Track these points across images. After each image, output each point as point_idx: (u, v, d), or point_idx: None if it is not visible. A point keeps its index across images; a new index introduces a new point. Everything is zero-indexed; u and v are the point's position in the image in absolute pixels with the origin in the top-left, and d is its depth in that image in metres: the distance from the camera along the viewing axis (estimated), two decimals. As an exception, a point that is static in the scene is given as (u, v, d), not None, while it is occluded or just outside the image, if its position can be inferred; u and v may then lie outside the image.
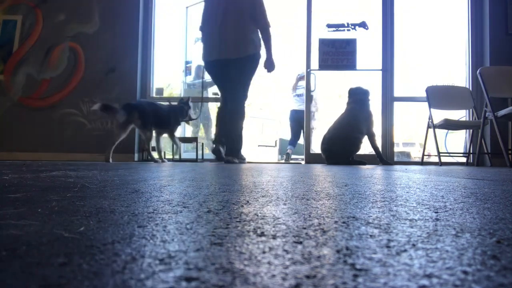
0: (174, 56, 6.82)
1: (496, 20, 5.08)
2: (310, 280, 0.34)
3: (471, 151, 5.10)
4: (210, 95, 6.02)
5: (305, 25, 5.48)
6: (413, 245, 0.47)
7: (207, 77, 5.53)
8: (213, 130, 5.25)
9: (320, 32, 5.47)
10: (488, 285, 0.33)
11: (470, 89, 5.19)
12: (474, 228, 0.58)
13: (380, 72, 5.41)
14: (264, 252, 0.44)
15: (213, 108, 6.33)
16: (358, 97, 4.80)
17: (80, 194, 1.00)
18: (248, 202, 0.89)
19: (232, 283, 0.33)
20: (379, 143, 5.01)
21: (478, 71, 4.58)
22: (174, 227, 0.58)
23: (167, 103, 4.68)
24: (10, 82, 5.46)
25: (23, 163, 3.57)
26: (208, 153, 5.97)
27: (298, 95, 7.05)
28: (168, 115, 4.38)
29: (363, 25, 5.47)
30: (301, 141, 6.58)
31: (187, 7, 6.20)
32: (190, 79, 6.25)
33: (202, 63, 4.56)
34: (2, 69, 5.46)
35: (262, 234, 0.53)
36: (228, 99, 3.84)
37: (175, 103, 4.75)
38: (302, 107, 5.97)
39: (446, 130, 5.91)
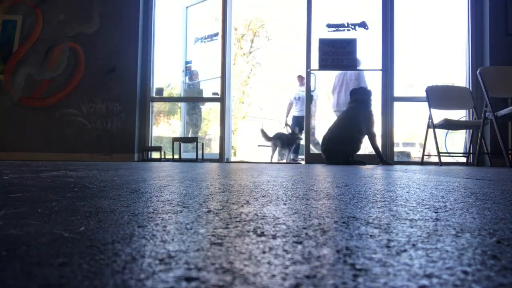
0: (174, 56, 6.82)
1: (496, 20, 5.08)
2: (310, 280, 0.34)
3: (471, 151, 5.10)
4: (210, 95, 6.02)
5: (305, 25, 5.48)
6: (413, 245, 0.47)
7: (204, 77, 6.15)
8: (203, 129, 6.77)
9: (320, 32, 5.47)
10: (488, 285, 0.33)
11: (470, 89, 5.19)
12: (474, 228, 0.58)
13: (380, 72, 5.41)
14: (264, 252, 0.44)
15: (213, 108, 6.33)
16: (358, 97, 4.80)
17: (80, 194, 1.00)
18: (248, 202, 0.89)
19: (232, 283, 0.33)
20: (379, 143, 5.01)
21: (478, 71, 4.58)
22: (174, 227, 0.58)
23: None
24: (10, 82, 5.45)
25: (23, 163, 3.57)
26: (208, 153, 5.98)
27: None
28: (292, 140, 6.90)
29: (363, 25, 5.47)
30: (302, 141, 6.63)
31: (187, 7, 6.20)
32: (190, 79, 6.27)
33: (199, 67, 6.15)
34: (2, 69, 5.46)
35: (262, 234, 0.53)
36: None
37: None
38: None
39: (446, 130, 5.91)
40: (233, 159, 7.37)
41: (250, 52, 20.44)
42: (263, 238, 0.51)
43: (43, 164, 3.34)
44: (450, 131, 6.03)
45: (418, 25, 5.95)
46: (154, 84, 5.71)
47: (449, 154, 5.72)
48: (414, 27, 5.89)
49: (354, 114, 4.71)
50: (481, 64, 5.12)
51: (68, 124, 5.40)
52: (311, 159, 5.41)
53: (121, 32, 5.46)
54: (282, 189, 1.23)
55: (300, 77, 7.14)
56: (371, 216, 0.70)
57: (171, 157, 5.53)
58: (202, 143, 5.66)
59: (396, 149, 5.85)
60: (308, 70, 5.43)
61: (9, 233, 0.52)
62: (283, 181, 1.57)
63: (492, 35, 5.07)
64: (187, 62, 6.20)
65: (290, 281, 0.34)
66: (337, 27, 5.49)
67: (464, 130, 5.48)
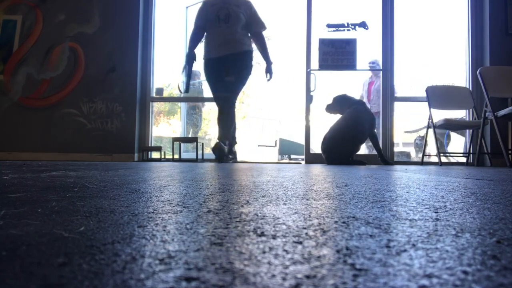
0: (174, 56, 6.83)
1: (496, 20, 5.08)
2: (310, 280, 0.34)
3: (471, 151, 5.10)
4: (210, 95, 6.01)
5: (305, 25, 5.48)
6: (413, 245, 0.47)
7: (204, 77, 5.71)
8: (203, 129, 6.26)
9: (320, 32, 5.47)
10: (488, 285, 0.33)
11: (470, 89, 5.19)
12: (474, 228, 0.58)
13: (380, 72, 5.42)
14: (264, 252, 0.44)
15: (213, 108, 6.33)
16: (360, 100, 4.81)
17: (80, 194, 1.00)
18: (248, 202, 0.88)
19: (232, 283, 0.33)
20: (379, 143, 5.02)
21: (478, 71, 4.58)
22: (174, 227, 0.58)
23: None
24: (10, 82, 5.45)
25: (23, 163, 3.57)
26: (208, 153, 5.98)
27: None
28: None
29: (363, 25, 5.47)
30: (302, 141, 6.43)
31: (187, 7, 6.20)
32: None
33: (199, 67, 5.13)
34: (2, 69, 5.46)
35: (262, 234, 0.53)
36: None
37: None
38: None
39: (446, 130, 5.91)
40: (233, 159, 7.34)
41: (250, 52, 20.42)
42: (263, 238, 0.51)
43: (43, 164, 3.34)
44: (450, 131, 6.04)
45: (418, 25, 5.95)
46: (154, 84, 5.71)
47: (449, 154, 5.72)
48: (414, 27, 5.89)
49: (354, 114, 4.71)
50: (481, 64, 5.13)
51: (68, 124, 5.40)
52: (311, 159, 5.41)
53: (121, 32, 5.46)
54: (282, 189, 1.23)
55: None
56: (371, 216, 0.69)
57: (171, 157, 5.53)
58: (202, 143, 5.66)
59: (396, 149, 5.85)
60: (308, 70, 5.43)
61: (9, 233, 0.52)
62: (283, 181, 1.57)
63: (492, 35, 5.07)
64: (187, 62, 6.19)
65: (290, 281, 0.34)
66: (337, 27, 5.49)
67: (464, 130, 5.48)
